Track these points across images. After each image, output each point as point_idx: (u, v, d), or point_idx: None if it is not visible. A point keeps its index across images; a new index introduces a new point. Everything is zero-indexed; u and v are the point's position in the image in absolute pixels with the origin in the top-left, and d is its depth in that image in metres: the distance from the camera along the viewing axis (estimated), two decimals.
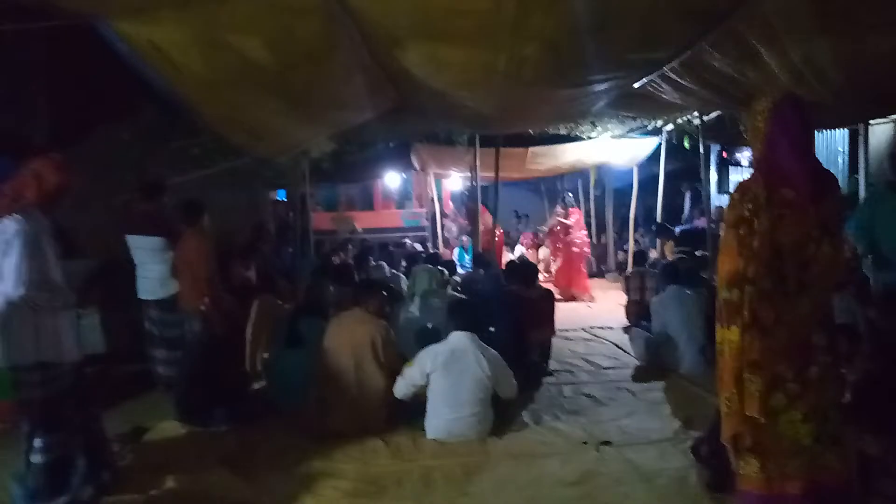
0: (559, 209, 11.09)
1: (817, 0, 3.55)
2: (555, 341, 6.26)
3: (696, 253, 8.23)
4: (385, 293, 5.22)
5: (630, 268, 9.03)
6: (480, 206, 10.10)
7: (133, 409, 4.86)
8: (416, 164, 11.55)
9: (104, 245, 5.53)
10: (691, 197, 13.89)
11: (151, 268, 5.30)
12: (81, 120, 4.54)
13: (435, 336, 4.68)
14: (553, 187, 14.83)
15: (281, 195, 12.80)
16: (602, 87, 5.63)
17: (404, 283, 7.46)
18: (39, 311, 3.08)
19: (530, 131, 9.71)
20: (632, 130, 10.14)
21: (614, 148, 10.67)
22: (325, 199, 14.89)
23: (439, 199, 13.26)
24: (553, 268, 11.29)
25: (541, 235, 13.02)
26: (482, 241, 9.97)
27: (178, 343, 5.23)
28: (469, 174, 10.20)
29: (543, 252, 12.83)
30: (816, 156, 2.73)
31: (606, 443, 4.03)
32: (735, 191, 2.65)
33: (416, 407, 4.35)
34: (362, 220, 14.21)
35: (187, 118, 4.69)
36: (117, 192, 5.73)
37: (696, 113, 7.97)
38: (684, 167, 11.66)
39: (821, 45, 4.04)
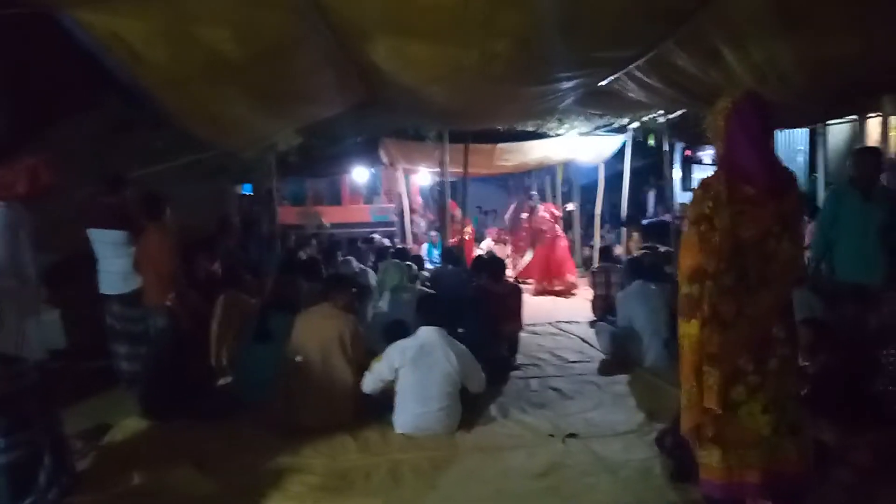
0: (526, 205, 11.16)
1: (780, 2, 3.64)
2: (522, 335, 6.31)
3: (661, 249, 8.36)
4: (353, 288, 5.21)
5: (596, 263, 9.13)
6: (450, 201, 10.11)
7: (96, 406, 4.77)
8: (385, 160, 11.50)
9: (65, 239, 5.41)
10: (655, 194, 14.11)
11: (113, 262, 5.20)
12: (42, 111, 4.43)
13: (403, 331, 4.68)
14: (520, 183, 14.93)
15: (247, 189, 12.65)
16: (569, 84, 5.69)
17: (372, 278, 7.45)
18: (4, 302, 2.99)
19: (499, 127, 9.75)
20: (598, 128, 10.25)
21: (581, 145, 10.76)
22: (293, 194, 14.76)
23: (408, 195, 13.24)
24: (521, 264, 11.39)
25: (504, 232, 13.09)
26: (452, 236, 10.00)
27: (141, 338, 5.15)
28: (438, 170, 10.21)
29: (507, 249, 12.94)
30: (776, 153, 2.81)
31: (572, 435, 4.08)
32: (697, 188, 2.71)
33: (384, 402, 4.36)
34: (330, 215, 14.12)
35: (151, 110, 4.61)
36: (79, 185, 5.60)
37: (660, 111, 8.11)
38: (649, 164, 11.84)
39: (783, 46, 4.14)
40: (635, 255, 8.74)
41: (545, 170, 14.06)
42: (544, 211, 10.95)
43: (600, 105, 7.63)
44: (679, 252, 2.75)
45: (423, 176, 13.61)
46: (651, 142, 9.95)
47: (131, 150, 6.24)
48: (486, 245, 13.69)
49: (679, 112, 7.79)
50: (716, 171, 2.71)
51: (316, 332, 4.53)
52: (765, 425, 2.60)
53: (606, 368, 5.67)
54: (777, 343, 2.63)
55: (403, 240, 12.80)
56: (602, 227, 12.19)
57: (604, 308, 7.08)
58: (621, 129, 10.32)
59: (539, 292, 10.13)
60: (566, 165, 13.18)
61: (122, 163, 5.85)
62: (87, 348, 5.42)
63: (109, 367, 5.30)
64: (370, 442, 4.10)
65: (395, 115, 7.39)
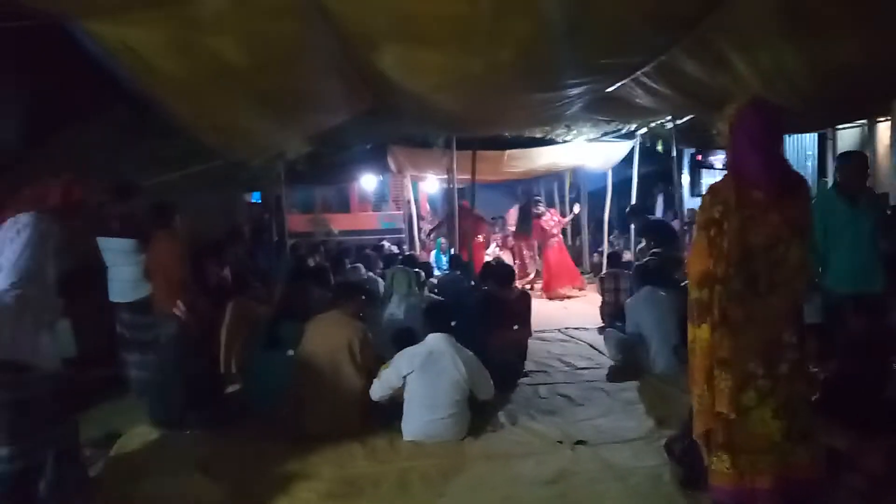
0: (534, 210, 11.16)
1: (787, 8, 3.63)
2: (531, 342, 6.29)
3: (662, 252, 8.26)
4: (362, 295, 5.21)
5: (605, 269, 9.11)
6: (465, 203, 10.06)
7: (106, 414, 4.80)
8: (393, 167, 11.54)
9: (75, 247, 5.44)
10: (664, 199, 14.05)
11: (123, 270, 5.23)
12: (52, 120, 4.47)
13: (411, 338, 4.68)
14: (529, 189, 14.92)
15: (256, 197, 12.71)
16: (577, 90, 5.68)
17: (381, 285, 7.45)
18: (23, 309, 2.99)
19: (506, 134, 9.76)
20: (606, 134, 10.25)
21: (589, 151, 10.77)
22: (301, 202, 14.83)
23: (416, 202, 13.26)
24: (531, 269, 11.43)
25: (510, 238, 13.07)
26: (466, 241, 10.02)
27: (151, 346, 5.16)
28: (445, 176, 10.23)
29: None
30: (786, 158, 2.80)
31: (581, 442, 4.06)
32: (706, 193, 2.71)
33: (392, 409, 4.35)
34: (339, 223, 14.17)
35: (161, 119, 4.65)
36: (89, 193, 5.63)
37: (668, 117, 8.10)
38: (658, 170, 11.81)
39: (791, 51, 4.14)
40: (644, 260, 8.68)
41: (553, 176, 14.06)
42: (551, 217, 10.95)
43: (608, 111, 7.63)
44: (688, 257, 2.75)
45: (431, 183, 13.63)
46: (660, 147, 9.93)
47: (141, 159, 6.28)
48: (493, 251, 13.68)
49: (688, 117, 7.79)
50: (725, 176, 2.72)
51: (325, 339, 4.54)
52: (776, 430, 2.59)
53: (615, 375, 5.64)
54: (787, 348, 2.63)
55: (412, 247, 12.82)
56: (610, 232, 12.17)
57: (612, 314, 7.05)
58: (629, 135, 10.31)
59: (552, 297, 10.16)
60: (574, 171, 13.17)
61: (131, 171, 5.89)
62: (96, 356, 5.44)
63: (119, 374, 5.33)
64: (378, 449, 4.10)
65: (402, 122, 7.41)
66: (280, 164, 8.68)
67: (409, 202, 13.31)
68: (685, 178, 13.26)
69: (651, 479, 3.51)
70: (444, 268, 10.63)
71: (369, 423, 4.41)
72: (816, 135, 10.17)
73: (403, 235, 13.86)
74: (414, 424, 4.20)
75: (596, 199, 13.41)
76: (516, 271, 8.65)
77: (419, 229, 13.14)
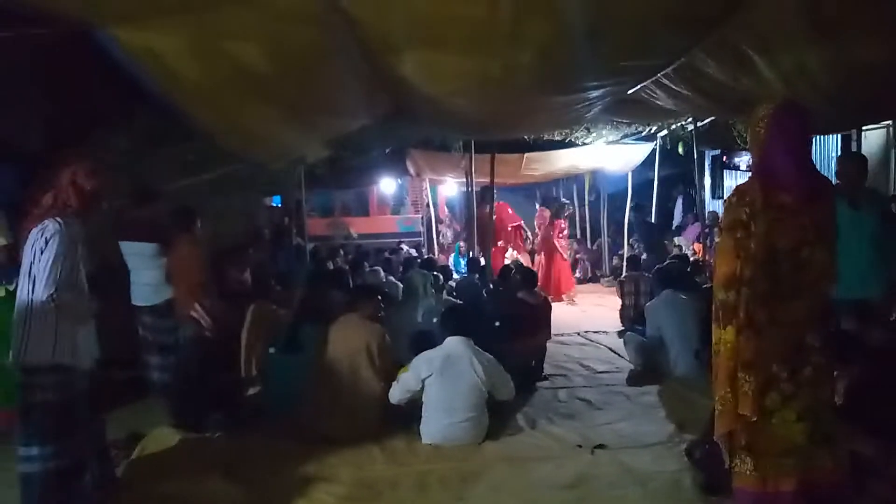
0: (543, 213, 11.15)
1: (809, 8, 3.59)
2: (550, 345, 6.27)
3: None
4: (380, 298, 5.23)
5: (624, 272, 9.05)
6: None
7: (127, 416, 4.84)
8: (412, 170, 11.58)
9: (98, 251, 5.51)
10: (683, 202, 13.94)
11: (145, 274, 5.29)
12: (76, 126, 4.53)
13: (430, 341, 4.68)
14: (548, 193, 14.90)
15: (276, 201, 12.80)
16: (597, 93, 5.66)
17: (400, 289, 7.46)
18: (61, 314, 3.09)
19: (525, 137, 9.75)
20: (626, 136, 10.21)
21: (609, 153, 10.72)
22: (321, 205, 14.91)
23: (434, 205, 13.28)
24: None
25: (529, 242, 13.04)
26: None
27: (173, 349, 5.21)
28: (464, 180, 10.23)
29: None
30: (813, 162, 2.78)
31: (601, 446, 4.04)
32: (732, 195, 2.70)
33: (411, 412, 4.36)
34: (358, 226, 14.23)
35: (182, 124, 4.70)
36: (112, 198, 5.71)
37: (689, 119, 8.04)
38: (678, 172, 11.74)
39: (813, 52, 4.08)
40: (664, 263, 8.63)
41: (572, 179, 14.01)
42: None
43: (628, 113, 7.59)
44: (714, 259, 2.74)
45: (450, 186, 13.64)
46: (681, 149, 9.87)
47: (163, 163, 6.35)
48: (511, 255, 13.65)
49: (709, 119, 7.72)
50: (750, 178, 2.71)
51: (343, 342, 4.56)
52: (799, 433, 2.57)
53: (635, 379, 5.60)
54: (811, 351, 2.61)
55: (430, 250, 12.83)
56: (630, 235, 12.10)
57: (632, 318, 7.01)
58: (650, 137, 10.25)
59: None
60: (594, 174, 13.11)
61: (153, 176, 5.96)
62: (119, 359, 5.50)
63: (141, 377, 5.38)
64: (397, 452, 4.10)
65: (421, 126, 7.42)
66: (300, 168, 8.72)
67: (427, 205, 13.33)
68: (707, 181, 13.15)
69: (671, 484, 3.48)
70: (463, 271, 10.64)
71: (388, 426, 4.42)
72: (840, 136, 10.04)
73: (422, 239, 13.88)
74: (432, 427, 4.20)
75: (616, 201, 13.35)
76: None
77: (438, 232, 13.15)
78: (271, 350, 5.15)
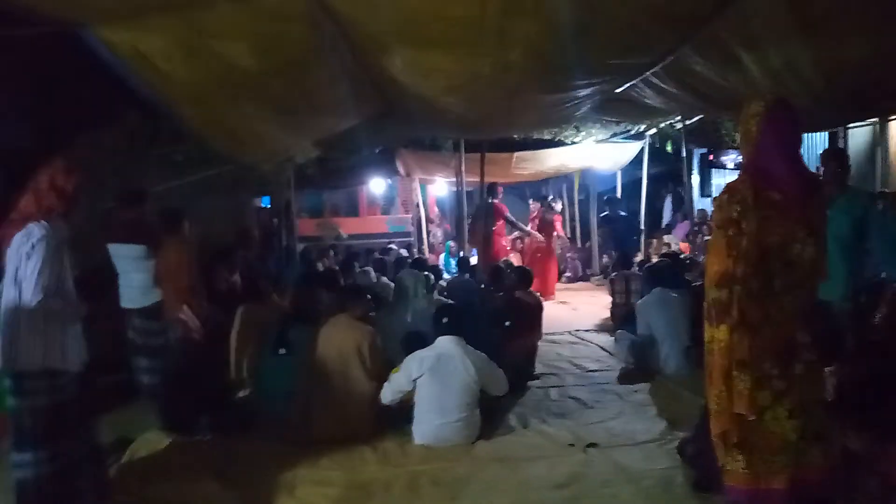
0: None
1: (797, 6, 3.61)
2: (541, 344, 6.27)
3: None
4: (371, 299, 5.21)
5: (614, 271, 9.06)
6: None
7: (117, 419, 4.78)
8: (401, 170, 11.56)
9: (86, 253, 5.46)
10: (672, 200, 13.99)
11: (134, 276, 5.24)
12: (63, 127, 4.49)
13: (421, 341, 4.67)
14: (538, 192, 14.90)
15: (265, 202, 12.75)
16: (586, 91, 5.68)
17: (391, 289, 7.45)
18: (49, 319, 3.07)
19: (515, 136, 9.75)
20: (615, 135, 10.24)
21: (598, 152, 10.75)
22: (310, 206, 14.86)
23: (424, 205, 13.26)
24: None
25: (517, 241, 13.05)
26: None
27: (162, 352, 5.17)
28: (454, 179, 10.23)
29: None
30: (803, 159, 2.79)
31: (593, 445, 4.04)
32: (723, 192, 2.69)
33: (403, 413, 4.34)
34: (347, 226, 14.19)
35: (171, 125, 4.67)
36: (99, 199, 5.67)
37: (678, 117, 8.07)
38: (667, 171, 11.78)
39: (801, 49, 4.10)
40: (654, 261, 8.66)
41: (562, 177, 14.04)
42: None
43: (617, 112, 7.62)
44: (706, 257, 2.74)
45: (440, 186, 13.63)
46: (669, 148, 9.91)
47: (151, 165, 6.31)
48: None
49: (697, 118, 7.76)
50: (741, 176, 2.70)
51: (334, 343, 4.54)
52: (791, 430, 2.57)
53: (626, 377, 5.61)
54: (802, 348, 2.61)
55: (420, 250, 12.82)
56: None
57: (623, 316, 7.02)
58: (638, 136, 10.29)
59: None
60: (583, 173, 13.14)
61: (141, 177, 5.92)
62: (107, 362, 5.46)
63: (130, 380, 5.34)
64: (389, 453, 4.09)
65: (411, 125, 7.41)
66: (289, 168, 8.70)
67: (417, 205, 13.32)
68: (695, 179, 13.21)
69: (663, 481, 3.49)
70: (454, 271, 10.63)
71: (380, 426, 4.40)
72: (827, 134, 10.11)
73: (412, 239, 13.86)
74: (424, 428, 4.19)
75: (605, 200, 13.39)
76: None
77: (428, 232, 13.13)
78: (261, 352, 5.13)
